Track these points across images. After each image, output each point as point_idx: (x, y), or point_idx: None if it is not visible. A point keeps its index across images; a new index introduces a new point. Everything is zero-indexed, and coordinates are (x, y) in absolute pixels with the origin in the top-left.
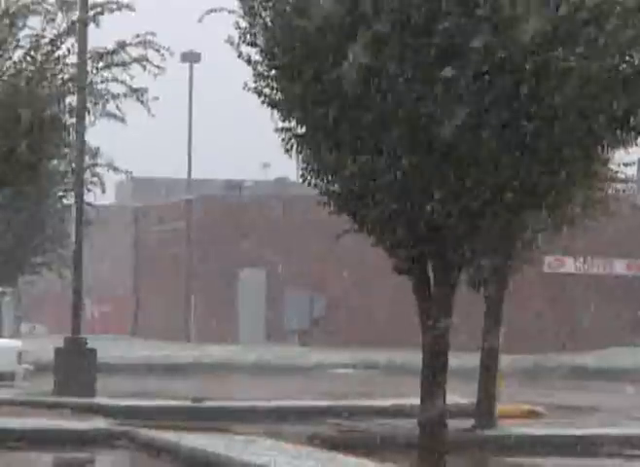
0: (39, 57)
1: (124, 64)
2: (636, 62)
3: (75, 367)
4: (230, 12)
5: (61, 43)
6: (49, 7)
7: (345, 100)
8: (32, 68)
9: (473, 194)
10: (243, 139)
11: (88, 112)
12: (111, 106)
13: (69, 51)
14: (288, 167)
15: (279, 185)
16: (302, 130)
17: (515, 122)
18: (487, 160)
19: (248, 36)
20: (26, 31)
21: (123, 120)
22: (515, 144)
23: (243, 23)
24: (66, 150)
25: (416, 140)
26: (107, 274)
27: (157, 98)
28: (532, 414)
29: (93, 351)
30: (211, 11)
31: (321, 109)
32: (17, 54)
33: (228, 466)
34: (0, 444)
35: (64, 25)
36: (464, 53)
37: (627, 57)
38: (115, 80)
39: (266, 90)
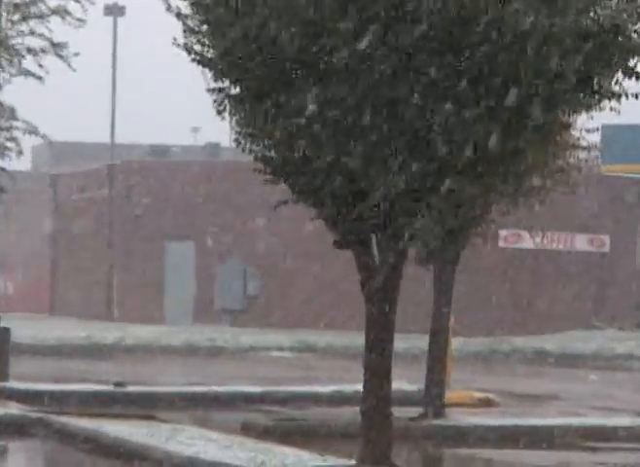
0: None
1: (41, 16)
2: (601, 20)
3: None
4: None
5: None
6: None
7: (284, 58)
8: None
9: (423, 159)
10: (171, 101)
11: (3, 69)
12: (28, 63)
13: None
14: (220, 132)
15: (210, 151)
16: (235, 91)
17: (472, 82)
18: (440, 121)
19: None
20: None
21: (40, 78)
22: (470, 106)
23: None
24: None
25: (364, 101)
26: (22, 246)
27: (77, 54)
28: (485, 403)
29: (6, 330)
30: None
31: (257, 68)
32: None
33: (152, 456)
34: None
35: None
36: (416, 10)
37: (591, 14)
38: (32, 33)
39: (197, 47)
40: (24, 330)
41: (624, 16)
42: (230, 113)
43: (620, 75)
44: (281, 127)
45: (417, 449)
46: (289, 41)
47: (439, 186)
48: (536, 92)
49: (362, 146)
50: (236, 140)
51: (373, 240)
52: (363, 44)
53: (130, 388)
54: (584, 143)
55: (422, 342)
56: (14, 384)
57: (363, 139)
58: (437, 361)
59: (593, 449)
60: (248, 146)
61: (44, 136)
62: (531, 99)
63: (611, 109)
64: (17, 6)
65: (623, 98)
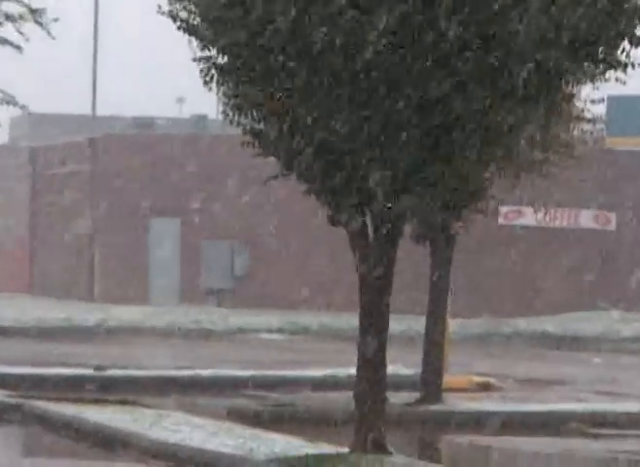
0: None
1: None
2: None
3: None
4: None
5: None
6: None
7: (275, 27)
8: None
9: (419, 131)
10: (155, 71)
11: None
12: (6, 31)
13: None
14: (206, 103)
15: (196, 123)
16: (223, 60)
17: (470, 49)
18: (435, 91)
19: None
20: None
21: (19, 48)
22: (468, 74)
23: None
24: None
25: (356, 71)
26: None
27: (56, 19)
28: (484, 387)
29: None
30: None
31: (246, 36)
32: None
33: (135, 443)
34: None
35: None
36: None
37: None
38: None
39: (183, 14)
40: (2, 310)
41: None
42: (217, 83)
43: (626, 44)
44: (271, 98)
45: (413, 435)
46: (280, 11)
47: (435, 160)
48: (537, 59)
49: (356, 117)
50: (224, 112)
51: (368, 216)
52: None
53: (113, 372)
54: (588, 115)
55: (419, 324)
56: None
57: (357, 110)
58: (434, 344)
59: (598, 436)
60: (236, 118)
61: (22, 107)
62: (532, 67)
63: (616, 79)
64: None
65: (630, 68)
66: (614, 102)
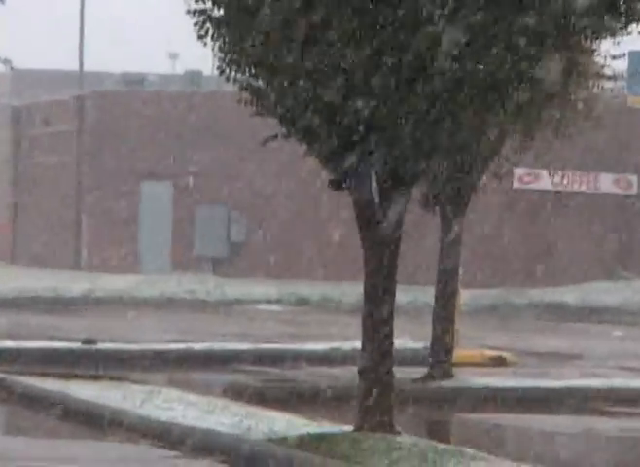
0: None
1: None
2: None
3: None
4: None
5: None
6: None
7: None
8: None
9: (427, 85)
10: (147, 25)
11: None
12: None
13: None
14: (201, 58)
15: (190, 80)
16: (219, 12)
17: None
18: (446, 45)
19: None
20: None
21: (2, 1)
22: (480, 30)
23: None
24: None
25: (362, 24)
26: None
27: None
28: (498, 362)
29: None
30: None
31: None
32: None
33: (125, 421)
34: None
35: None
36: None
37: None
38: None
39: None
40: None
41: None
42: (212, 38)
43: None
44: (269, 53)
45: (422, 413)
46: None
47: (444, 120)
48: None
49: (360, 74)
50: (219, 68)
51: (373, 180)
52: None
53: (101, 346)
54: (608, 71)
55: (427, 295)
56: None
57: (361, 66)
58: (444, 316)
59: (617, 414)
60: (233, 74)
61: (5, 61)
62: (547, 20)
63: (639, 33)
64: None
65: None
66: (636, 58)
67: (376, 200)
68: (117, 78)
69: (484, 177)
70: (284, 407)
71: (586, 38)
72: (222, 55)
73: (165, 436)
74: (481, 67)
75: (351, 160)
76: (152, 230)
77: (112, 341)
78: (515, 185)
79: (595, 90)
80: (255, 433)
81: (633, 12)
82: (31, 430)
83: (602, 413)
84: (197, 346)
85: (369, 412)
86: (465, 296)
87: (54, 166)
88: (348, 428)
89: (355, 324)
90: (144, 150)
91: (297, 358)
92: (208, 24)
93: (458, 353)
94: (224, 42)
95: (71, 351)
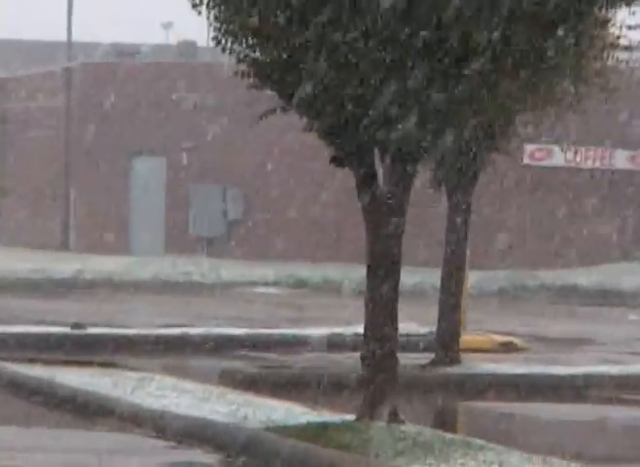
0: None
1: None
2: None
3: None
4: None
5: None
6: None
7: None
8: None
9: (433, 61)
10: None
11: None
12: None
13: None
14: (196, 28)
15: (185, 51)
16: None
17: None
18: (453, 14)
19: None
20: None
21: None
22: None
23: None
24: None
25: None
26: None
27: None
28: (508, 347)
29: None
30: None
31: None
32: None
33: (115, 410)
34: None
35: None
36: None
37: None
38: None
39: None
40: None
41: None
42: (207, 6)
43: None
44: (266, 21)
45: (428, 401)
46: None
47: (450, 92)
48: None
49: (363, 44)
50: (215, 38)
51: (377, 156)
52: None
53: (91, 330)
54: (624, 42)
55: (433, 277)
56: None
57: (365, 36)
58: (451, 299)
59: (632, 402)
60: (229, 45)
61: None
62: None
63: None
64: None
65: None
66: None
67: (380, 178)
68: (107, 48)
69: (493, 153)
70: (282, 394)
71: (600, 8)
72: (218, 25)
73: (158, 425)
74: (489, 35)
75: (353, 135)
76: (144, 208)
77: (102, 325)
78: (526, 161)
79: (610, 62)
80: (252, 422)
81: None
82: (18, 419)
83: (617, 402)
84: (192, 331)
85: (371, 400)
86: (473, 278)
87: (41, 141)
88: (350, 417)
89: (357, 308)
90: (136, 124)
91: (296, 343)
92: None
93: (466, 338)
94: (220, 11)
95: (59, 336)
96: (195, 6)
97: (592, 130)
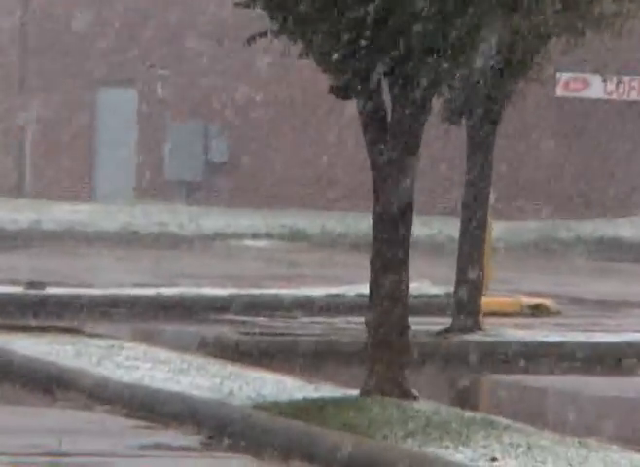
0: None
1: None
2: None
3: None
4: None
5: None
6: None
7: None
8: None
9: None
10: None
11: None
12: None
13: None
14: None
15: None
16: None
17: None
18: None
19: None
20: None
21: None
22: None
23: None
24: None
25: None
26: None
27: None
28: (537, 311)
29: None
30: None
31: None
32: None
33: (79, 383)
34: None
35: None
36: None
37: None
38: None
39: None
40: None
41: None
42: None
43: None
44: None
45: (444, 374)
46: None
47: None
48: None
49: None
50: None
51: (384, 85)
52: None
53: (50, 290)
54: None
55: (451, 228)
56: None
57: None
58: (471, 254)
59: None
60: None
61: None
62: None
63: None
64: None
65: None
66: None
67: (388, 112)
68: None
69: (521, 82)
70: (274, 365)
71: None
72: None
73: (128, 401)
74: None
75: (359, 60)
76: (112, 148)
77: (63, 284)
78: (560, 92)
79: None
80: (238, 398)
81: None
82: None
83: None
84: (168, 291)
85: (378, 372)
86: (498, 229)
87: None
88: (353, 392)
89: (362, 265)
90: (102, 49)
91: (290, 306)
92: None
93: (488, 300)
94: None
95: (13, 297)
96: None
97: (638, 57)
